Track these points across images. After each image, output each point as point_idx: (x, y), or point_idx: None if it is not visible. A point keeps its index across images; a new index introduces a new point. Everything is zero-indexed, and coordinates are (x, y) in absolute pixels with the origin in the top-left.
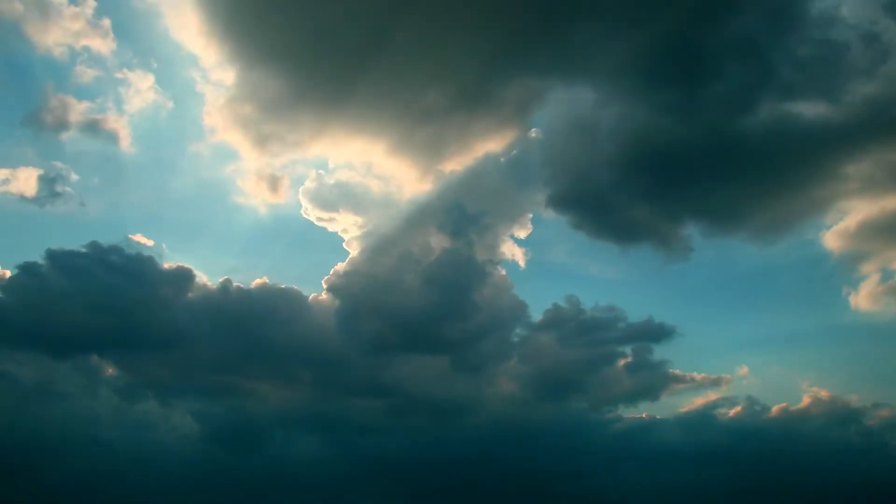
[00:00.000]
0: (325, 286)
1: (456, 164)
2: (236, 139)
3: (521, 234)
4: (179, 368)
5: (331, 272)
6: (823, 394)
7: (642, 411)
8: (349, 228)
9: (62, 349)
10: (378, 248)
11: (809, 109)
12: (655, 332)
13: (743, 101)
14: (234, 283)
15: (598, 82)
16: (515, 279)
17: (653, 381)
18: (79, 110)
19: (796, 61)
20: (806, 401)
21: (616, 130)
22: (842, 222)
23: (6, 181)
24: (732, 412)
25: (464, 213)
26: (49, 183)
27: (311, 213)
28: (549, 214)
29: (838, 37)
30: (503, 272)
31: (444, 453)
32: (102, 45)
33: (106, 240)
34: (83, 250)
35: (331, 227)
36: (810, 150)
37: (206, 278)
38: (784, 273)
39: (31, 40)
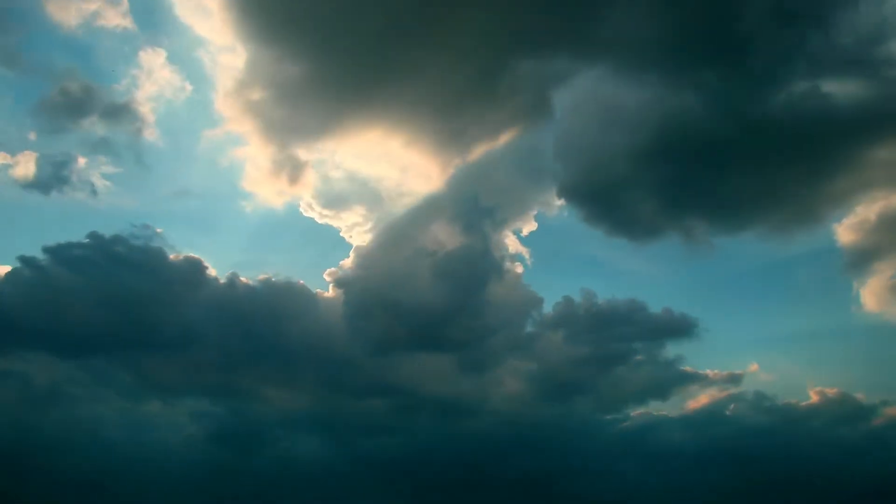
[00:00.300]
0: (329, 281)
1: (473, 156)
2: (247, 128)
3: (527, 228)
4: (183, 366)
5: (338, 266)
6: (831, 391)
7: (653, 409)
8: (359, 222)
9: (61, 346)
10: (385, 242)
11: (843, 89)
12: (671, 328)
13: (774, 83)
14: (241, 278)
15: (616, 67)
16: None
17: (664, 379)
18: (92, 95)
19: (841, 39)
20: (814, 398)
21: (627, 121)
22: (855, 216)
23: (8, 166)
24: (742, 409)
25: (475, 206)
26: (57, 168)
27: (320, 207)
28: (557, 209)
29: (889, 13)
30: (519, 269)
31: (449, 453)
32: (119, 24)
33: (115, 230)
34: (86, 241)
35: (339, 221)
36: (839, 133)
37: (214, 272)
38: (796, 269)
39: (50, 19)
